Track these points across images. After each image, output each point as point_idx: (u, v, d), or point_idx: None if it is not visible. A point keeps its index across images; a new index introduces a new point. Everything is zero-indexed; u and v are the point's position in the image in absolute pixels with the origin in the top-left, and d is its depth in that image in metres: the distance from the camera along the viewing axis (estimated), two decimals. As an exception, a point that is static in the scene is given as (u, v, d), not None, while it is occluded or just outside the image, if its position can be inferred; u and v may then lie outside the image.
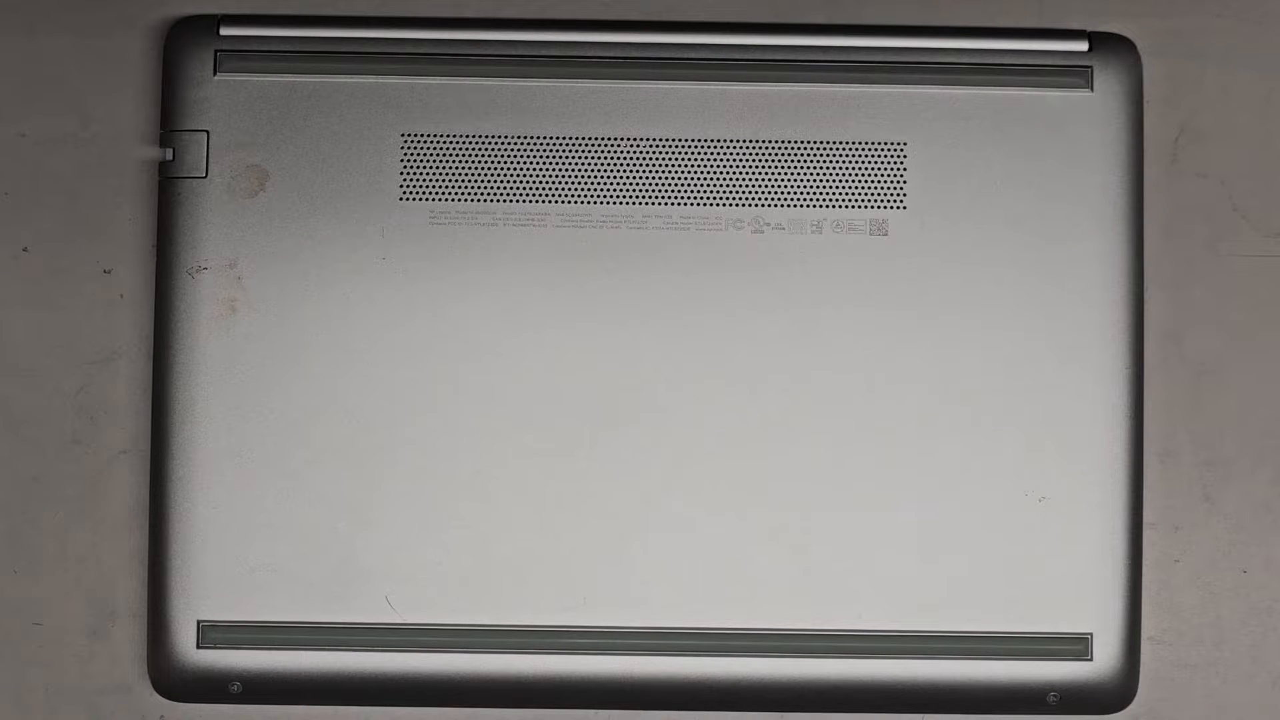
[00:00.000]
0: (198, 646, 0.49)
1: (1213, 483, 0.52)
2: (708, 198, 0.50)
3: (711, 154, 0.50)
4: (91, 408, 0.52)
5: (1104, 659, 0.50)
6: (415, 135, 0.50)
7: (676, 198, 0.50)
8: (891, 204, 0.50)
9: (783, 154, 0.50)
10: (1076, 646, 0.50)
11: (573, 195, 0.50)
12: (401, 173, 0.50)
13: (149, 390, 0.51)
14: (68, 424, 0.52)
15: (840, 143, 0.50)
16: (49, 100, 0.53)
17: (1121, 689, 0.50)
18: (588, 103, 0.50)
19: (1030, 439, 0.50)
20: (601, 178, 0.50)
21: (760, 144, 0.50)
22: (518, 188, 0.50)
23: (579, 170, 0.50)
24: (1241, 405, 0.52)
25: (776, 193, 0.50)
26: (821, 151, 0.50)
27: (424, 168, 0.50)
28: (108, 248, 0.52)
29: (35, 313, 0.52)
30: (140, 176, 0.52)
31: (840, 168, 0.50)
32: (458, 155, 0.50)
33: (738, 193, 0.50)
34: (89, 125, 0.53)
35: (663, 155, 0.50)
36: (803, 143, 0.50)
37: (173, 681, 0.49)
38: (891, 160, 0.50)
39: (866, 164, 0.50)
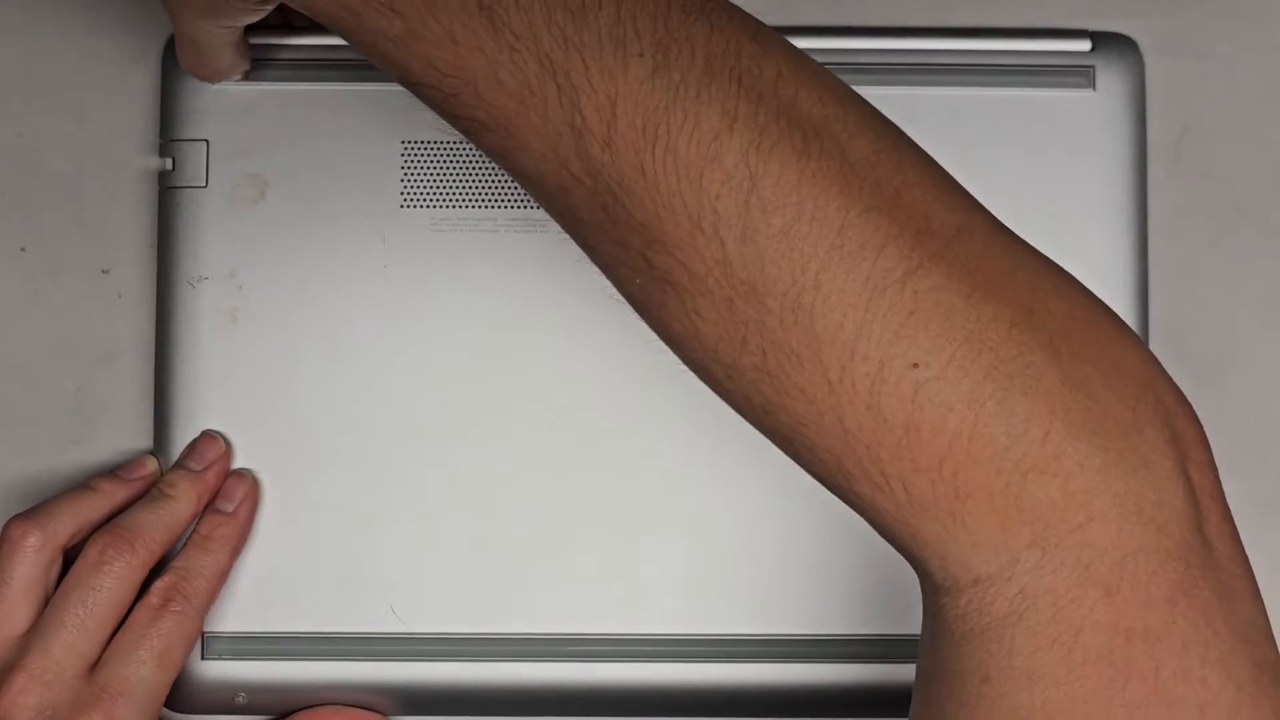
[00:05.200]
0: (203, 658, 0.49)
1: (1215, 483, 0.52)
2: (710, 202, 0.50)
3: (713, 158, 0.50)
4: (90, 409, 0.52)
5: (1107, 660, 0.50)
6: (416, 142, 0.50)
7: (678, 202, 0.50)
8: (894, 206, 0.50)
9: (785, 157, 0.50)
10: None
11: (574, 200, 0.50)
12: (402, 179, 0.50)
13: (148, 391, 0.51)
14: (66, 425, 0.52)
15: (842, 145, 0.50)
16: (47, 102, 0.53)
17: (1124, 690, 0.50)
18: (589, 106, 0.50)
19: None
20: (603, 182, 0.50)
21: (762, 147, 0.50)
22: (519, 193, 0.50)
23: (580, 174, 0.50)
24: (1244, 405, 0.52)
25: (779, 196, 0.50)
26: (824, 154, 0.50)
27: (425, 174, 0.50)
28: (105, 248, 0.52)
29: (33, 313, 0.52)
30: (138, 177, 0.52)
31: (842, 170, 0.50)
32: (459, 161, 0.50)
33: (740, 196, 0.50)
34: (86, 125, 0.53)
35: (664, 159, 0.50)
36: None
37: (178, 693, 0.49)
38: (894, 162, 0.50)
39: (869, 166, 0.50)
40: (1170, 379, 0.35)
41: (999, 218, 0.48)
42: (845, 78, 0.50)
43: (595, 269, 0.49)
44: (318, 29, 0.49)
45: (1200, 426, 0.35)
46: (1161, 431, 0.33)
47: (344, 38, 0.36)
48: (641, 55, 0.33)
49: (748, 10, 0.52)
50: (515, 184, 0.49)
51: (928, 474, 0.33)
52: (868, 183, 0.33)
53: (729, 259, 0.33)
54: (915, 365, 0.32)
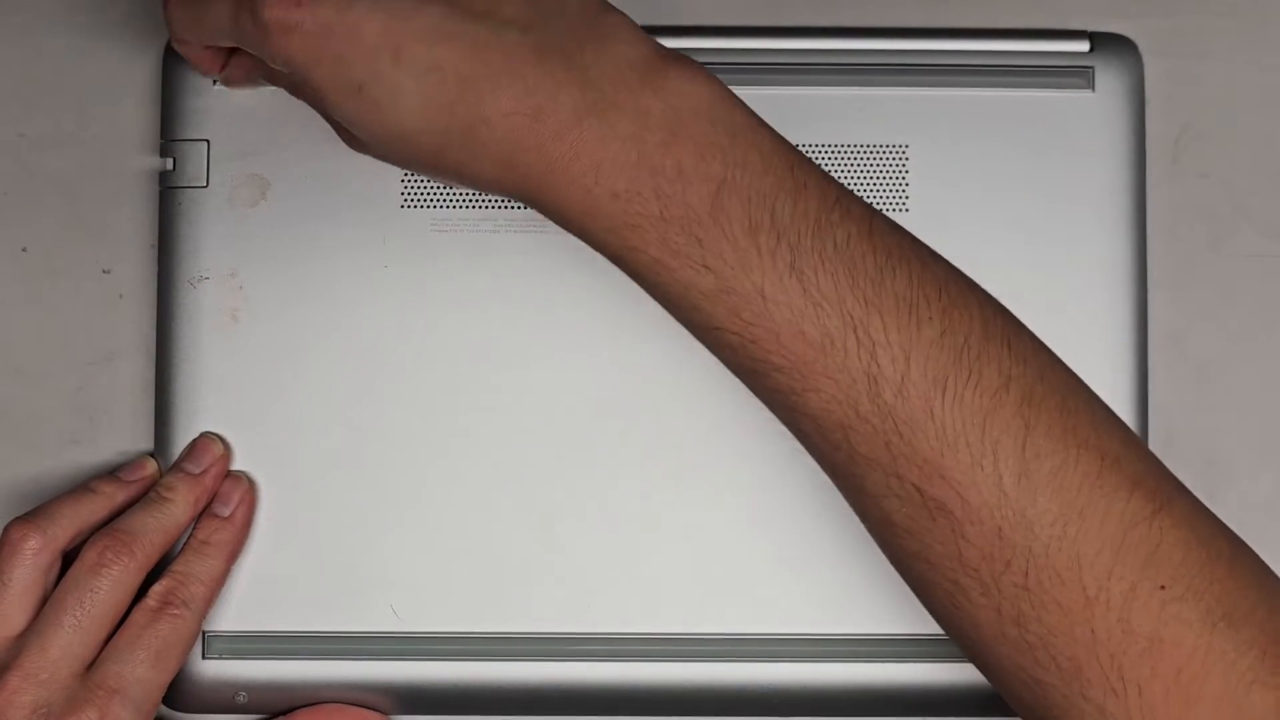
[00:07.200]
0: (203, 657, 0.49)
1: (1215, 483, 0.52)
2: (710, 202, 0.50)
3: (713, 158, 0.50)
4: (90, 408, 0.52)
5: (1107, 660, 0.50)
6: (416, 142, 0.50)
7: (678, 202, 0.50)
8: (894, 207, 0.50)
9: (785, 157, 0.50)
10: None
11: (574, 200, 0.50)
12: (402, 180, 0.50)
13: (149, 391, 0.51)
14: (66, 425, 0.52)
15: (842, 146, 0.50)
16: (47, 102, 0.53)
17: (1124, 690, 0.50)
18: (588, 107, 0.50)
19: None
20: (603, 182, 0.50)
21: (762, 147, 0.50)
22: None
23: (580, 175, 0.50)
24: (1243, 405, 0.52)
25: (779, 196, 0.50)
26: (823, 155, 0.50)
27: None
28: (106, 248, 0.52)
29: (33, 313, 0.52)
30: (138, 177, 0.52)
31: (842, 171, 0.50)
32: (459, 161, 0.50)
33: (740, 197, 0.50)
34: (86, 125, 0.53)
35: (664, 159, 0.50)
36: (804, 146, 0.50)
37: (178, 692, 0.49)
38: (894, 163, 0.50)
39: (868, 167, 0.50)
40: None
41: (1000, 218, 0.49)
42: (845, 79, 0.50)
43: (594, 271, 0.49)
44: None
45: None
46: None
47: (649, 288, 0.42)
48: (931, 319, 0.40)
49: (744, 11, 0.53)
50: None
51: (1163, 680, 0.38)
52: (1115, 436, 0.40)
53: (1006, 493, 0.39)
54: (1162, 587, 0.38)
